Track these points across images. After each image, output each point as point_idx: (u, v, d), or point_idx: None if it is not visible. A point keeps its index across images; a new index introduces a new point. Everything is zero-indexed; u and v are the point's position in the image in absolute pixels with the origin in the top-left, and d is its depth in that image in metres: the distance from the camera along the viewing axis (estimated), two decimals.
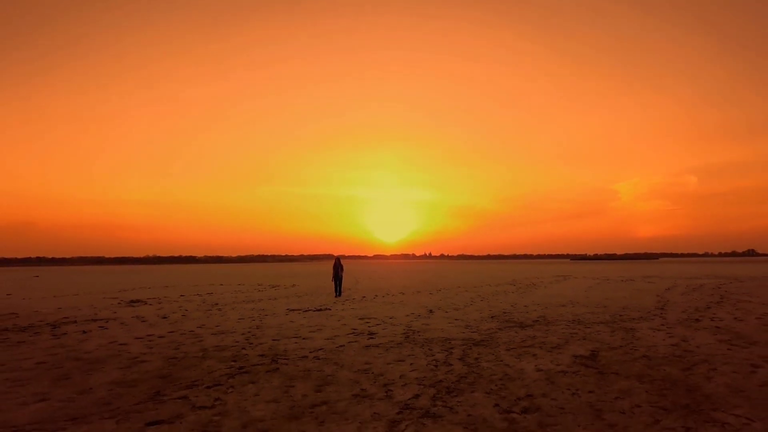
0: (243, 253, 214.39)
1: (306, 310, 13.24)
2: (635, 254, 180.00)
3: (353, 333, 9.22)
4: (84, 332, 9.76)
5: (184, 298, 18.55)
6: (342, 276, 18.38)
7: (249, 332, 9.46)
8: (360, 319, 11.30)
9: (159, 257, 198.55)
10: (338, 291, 17.97)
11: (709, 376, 5.70)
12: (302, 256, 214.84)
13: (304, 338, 8.70)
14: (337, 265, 18.34)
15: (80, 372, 6.34)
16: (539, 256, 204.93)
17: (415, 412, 4.56)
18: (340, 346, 7.93)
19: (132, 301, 17.07)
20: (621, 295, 17.14)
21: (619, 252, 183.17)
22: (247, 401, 4.94)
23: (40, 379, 6.01)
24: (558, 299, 15.70)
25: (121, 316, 12.43)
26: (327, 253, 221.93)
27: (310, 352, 7.40)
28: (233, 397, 5.11)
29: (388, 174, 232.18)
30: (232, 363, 6.71)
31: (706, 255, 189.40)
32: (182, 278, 37.38)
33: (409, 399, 4.94)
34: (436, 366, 6.38)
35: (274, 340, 8.57)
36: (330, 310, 13.36)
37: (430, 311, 12.71)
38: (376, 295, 18.21)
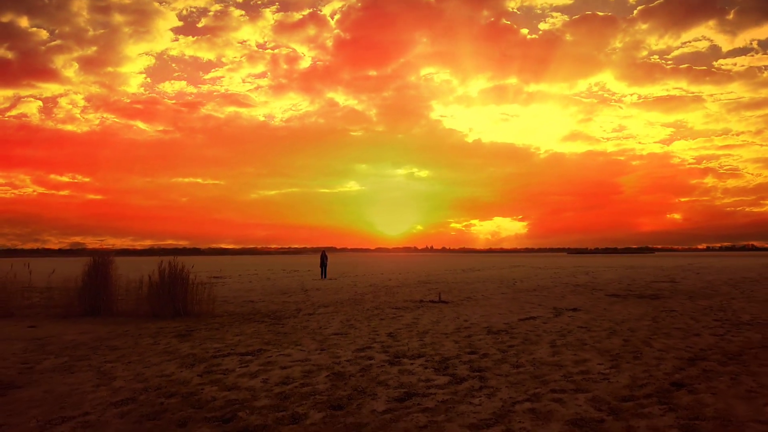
0: (246, 246, 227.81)
1: (322, 279, 25.73)
2: (635, 248, 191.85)
3: (348, 285, 21.68)
4: (223, 284, 22.20)
5: (242, 277, 30.98)
6: (327, 264, 29.95)
7: (299, 285, 21.89)
8: (352, 282, 23.77)
9: (163, 249, 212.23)
10: (323, 274, 29.08)
11: (455, 288, 18.07)
12: (305, 248, 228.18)
13: (326, 286, 21.16)
14: (323, 256, 30.29)
15: (261, 293, 18.81)
16: (540, 250, 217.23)
17: (361, 295, 16.99)
18: (341, 286, 20.41)
19: (215, 277, 29.55)
20: (519, 275, 29.49)
21: (620, 246, 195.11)
22: (314, 295, 17.39)
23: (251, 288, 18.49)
24: (473, 277, 28.07)
25: (226, 282, 24.88)
26: (330, 245, 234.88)
27: (331, 286, 19.83)
28: (310, 294, 17.56)
29: (391, 166, 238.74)
30: (302, 289, 19.15)
31: (708, 249, 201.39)
32: (218, 266, 50.01)
33: (360, 293, 17.38)
34: (375, 291, 18.82)
35: (314, 284, 21.02)
36: (337, 280, 25.84)
37: (389, 279, 25.20)
38: (364, 274, 30.75)
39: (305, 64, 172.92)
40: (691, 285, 20.17)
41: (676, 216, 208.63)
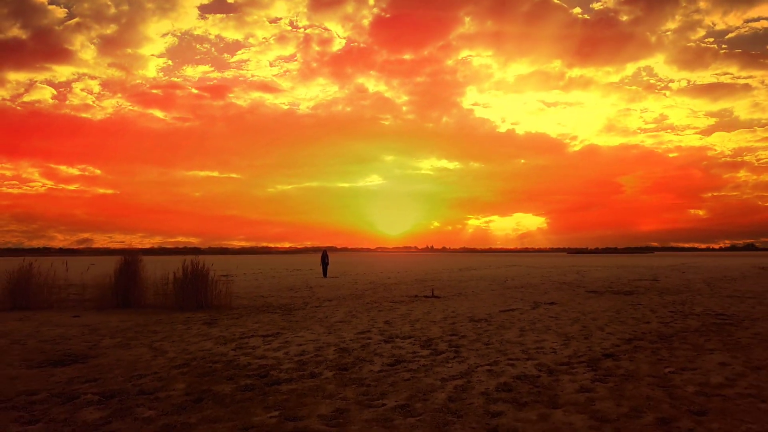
0: (247, 245, 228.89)
1: (325, 277, 27.39)
2: (635, 248, 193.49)
3: (349, 282, 23.30)
4: (232, 281, 23.84)
5: (246, 275, 32.60)
6: (328, 263, 31.58)
7: (304, 282, 23.52)
8: (353, 280, 25.41)
9: (164, 248, 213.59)
10: (324, 273, 30.74)
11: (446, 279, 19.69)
12: (306, 248, 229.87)
13: (329, 284, 22.80)
14: (324, 255, 31.87)
15: (269, 289, 20.45)
16: (540, 250, 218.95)
17: (361, 291, 18.61)
18: (343, 284, 22.05)
19: (222, 275, 31.15)
20: (512, 274, 31.12)
21: (620, 246, 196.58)
22: (318, 291, 19.02)
23: (264, 283, 20.13)
24: (468, 276, 29.71)
25: (234, 280, 26.52)
26: (331, 245, 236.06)
27: (333, 283, 21.47)
28: (315, 291, 19.19)
29: (416, 158, 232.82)
30: (307, 287, 20.79)
31: (707, 249, 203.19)
32: (221, 265, 51.62)
33: (361, 290, 18.99)
34: (374, 288, 20.45)
35: (317, 282, 22.66)
36: (338, 278, 27.48)
37: (388, 277, 26.85)
38: (364, 273, 32.43)
39: (338, 46, 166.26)
40: (669, 283, 21.79)
41: (700, 212, 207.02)
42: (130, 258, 13.61)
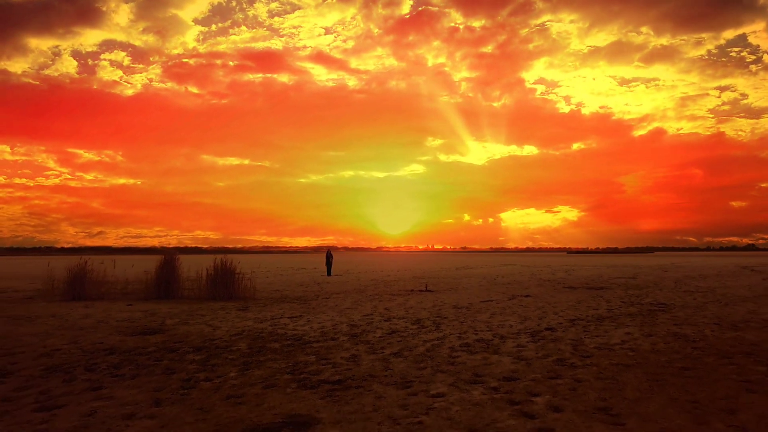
0: (246, 246, 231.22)
1: (330, 275, 30.04)
2: (635, 248, 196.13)
3: (353, 279, 25.94)
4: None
5: (256, 274, 35.24)
6: (332, 262, 34.14)
7: (311, 280, 26.16)
8: (356, 278, 28.07)
9: (166, 248, 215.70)
10: (329, 272, 33.80)
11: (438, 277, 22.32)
12: (306, 248, 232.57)
13: (335, 281, 25.44)
14: (329, 255, 34.50)
15: (281, 285, 23.11)
16: (540, 250, 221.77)
17: (364, 286, 21.25)
18: (347, 280, 24.70)
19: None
20: (504, 273, 33.76)
21: (621, 246, 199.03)
22: (326, 286, 21.66)
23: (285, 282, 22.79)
24: (463, 274, 32.35)
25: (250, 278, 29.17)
26: (333, 245, 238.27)
27: (338, 280, 24.10)
28: (323, 286, 21.84)
29: (466, 142, 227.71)
30: (315, 283, 23.44)
31: (708, 249, 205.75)
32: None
33: (364, 285, 21.63)
34: (376, 283, 23.09)
35: (323, 279, 25.30)
36: (342, 276, 30.14)
37: (388, 276, 29.50)
38: (366, 272, 35.14)
39: (405, 9, 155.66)
40: (643, 280, 24.38)
41: (742, 204, 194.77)
42: (168, 257, 16.26)
